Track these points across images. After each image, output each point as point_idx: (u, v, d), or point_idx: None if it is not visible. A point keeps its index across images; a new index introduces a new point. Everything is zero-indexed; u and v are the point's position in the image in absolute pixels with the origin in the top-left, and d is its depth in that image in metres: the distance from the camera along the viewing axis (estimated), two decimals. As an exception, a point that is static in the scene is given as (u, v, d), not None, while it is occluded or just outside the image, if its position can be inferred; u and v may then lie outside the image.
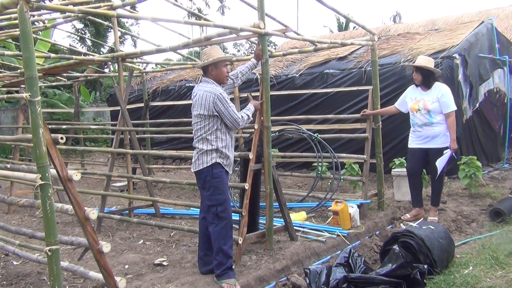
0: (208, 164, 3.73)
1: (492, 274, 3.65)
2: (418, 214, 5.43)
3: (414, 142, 5.40)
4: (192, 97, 3.92)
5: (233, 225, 5.17)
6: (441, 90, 5.17)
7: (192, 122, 3.88)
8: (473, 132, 7.74)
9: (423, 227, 3.97)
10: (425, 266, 3.50)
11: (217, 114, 3.72)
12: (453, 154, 5.17)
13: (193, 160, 3.85)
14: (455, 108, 5.18)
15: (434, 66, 5.40)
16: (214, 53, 3.84)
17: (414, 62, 5.49)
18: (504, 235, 4.62)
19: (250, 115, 4.01)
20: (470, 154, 6.64)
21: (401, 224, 5.21)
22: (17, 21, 5.12)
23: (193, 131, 3.87)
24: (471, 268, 3.78)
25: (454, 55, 7.23)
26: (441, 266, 3.76)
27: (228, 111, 3.74)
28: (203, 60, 3.85)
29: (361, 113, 5.77)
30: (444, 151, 5.11)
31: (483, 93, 8.07)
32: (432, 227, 3.98)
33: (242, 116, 3.89)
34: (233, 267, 3.75)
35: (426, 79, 5.23)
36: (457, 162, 6.11)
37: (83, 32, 21.86)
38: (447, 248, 3.88)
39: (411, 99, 5.38)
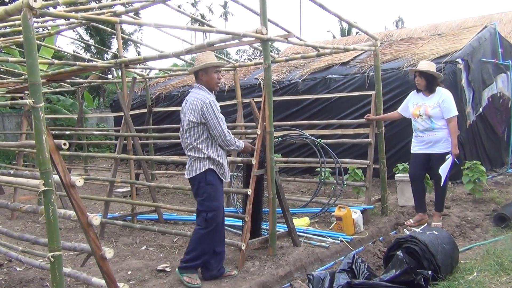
0: (202, 171, 3.74)
1: (497, 280, 3.63)
2: (422, 219, 5.41)
3: (416, 147, 5.38)
4: (183, 104, 3.90)
5: (235, 230, 5.19)
6: (442, 95, 5.17)
7: (183, 129, 3.85)
8: (477, 137, 7.72)
9: (427, 233, 3.96)
10: (429, 272, 3.47)
11: (205, 122, 3.70)
12: (455, 159, 5.15)
13: (186, 166, 3.87)
14: (456, 113, 5.16)
15: (437, 71, 5.40)
16: (205, 58, 3.83)
17: (416, 67, 5.49)
18: (509, 240, 4.59)
19: (237, 145, 3.91)
20: (474, 159, 6.62)
21: (405, 230, 5.19)
22: (21, 28, 5.15)
23: (183, 139, 3.85)
24: (475, 274, 3.76)
25: (457, 60, 7.23)
26: (445, 272, 3.74)
27: (217, 119, 3.69)
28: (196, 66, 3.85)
29: (365, 117, 5.77)
30: (446, 157, 5.10)
31: (487, 98, 8.05)
32: (436, 233, 3.96)
33: (231, 136, 3.81)
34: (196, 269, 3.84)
35: (430, 83, 5.22)
36: (461, 167, 6.08)
37: (87, 40, 22.03)
38: (451, 254, 3.86)
39: (413, 104, 5.37)
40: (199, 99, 3.71)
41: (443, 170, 5.06)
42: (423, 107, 5.21)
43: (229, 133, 3.81)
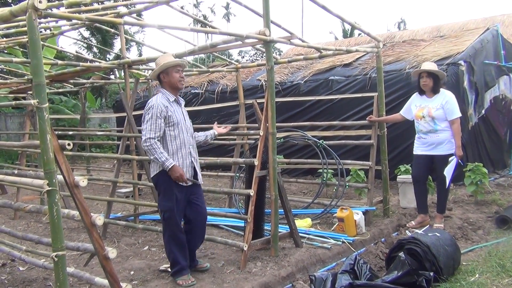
0: (157, 172, 3.80)
1: (499, 282, 3.63)
2: (424, 221, 5.41)
3: (419, 148, 5.38)
4: None
5: (237, 231, 5.19)
6: (445, 97, 5.17)
7: None
8: (479, 139, 7.71)
9: (429, 234, 3.96)
10: (431, 274, 3.48)
11: None
12: (459, 161, 5.15)
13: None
14: (459, 114, 5.17)
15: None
16: (163, 60, 3.86)
17: (421, 69, 5.48)
18: (511, 242, 4.59)
19: (159, 159, 3.65)
20: (476, 161, 6.61)
21: (407, 231, 5.19)
22: (24, 29, 5.16)
23: None
24: (477, 275, 3.76)
25: (459, 62, 7.23)
26: (447, 274, 3.74)
27: (145, 122, 3.75)
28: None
29: (367, 118, 5.77)
30: (450, 158, 5.10)
31: (489, 100, 8.05)
32: (438, 234, 3.97)
33: (152, 146, 3.64)
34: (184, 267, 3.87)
35: (436, 84, 5.22)
36: (463, 169, 6.08)
37: (90, 40, 22.08)
38: (453, 256, 3.86)
39: (415, 106, 5.37)
40: (148, 102, 3.81)
41: (448, 172, 5.06)
42: (426, 109, 5.21)
43: (155, 144, 3.66)
